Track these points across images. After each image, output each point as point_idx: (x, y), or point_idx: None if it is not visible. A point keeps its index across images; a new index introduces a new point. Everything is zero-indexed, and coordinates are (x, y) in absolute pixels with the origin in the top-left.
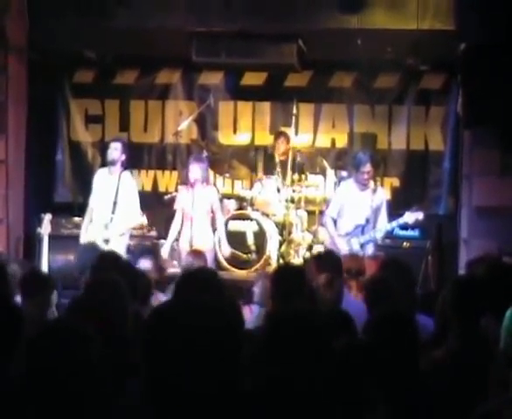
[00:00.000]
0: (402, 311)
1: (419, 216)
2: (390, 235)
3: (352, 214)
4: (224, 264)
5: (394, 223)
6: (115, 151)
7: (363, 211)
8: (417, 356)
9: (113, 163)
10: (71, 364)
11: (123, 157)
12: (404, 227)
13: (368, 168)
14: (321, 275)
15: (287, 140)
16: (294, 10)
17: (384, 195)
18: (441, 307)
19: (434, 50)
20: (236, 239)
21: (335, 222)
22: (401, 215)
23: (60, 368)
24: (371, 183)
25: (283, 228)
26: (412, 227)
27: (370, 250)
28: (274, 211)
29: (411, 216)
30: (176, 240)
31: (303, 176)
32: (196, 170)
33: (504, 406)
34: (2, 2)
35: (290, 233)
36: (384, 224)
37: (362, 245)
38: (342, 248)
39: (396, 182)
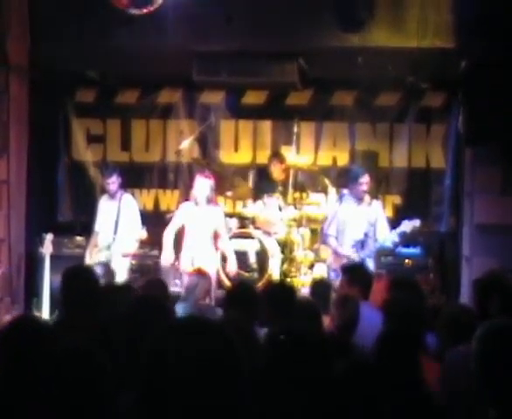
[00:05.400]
0: (411, 330)
1: (416, 223)
2: (391, 252)
3: (351, 230)
4: (227, 283)
5: (394, 233)
6: (113, 185)
7: (361, 226)
8: (420, 374)
9: (114, 195)
10: (81, 385)
11: (120, 180)
12: (406, 244)
13: (366, 178)
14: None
15: (280, 160)
16: (294, 28)
17: (379, 207)
18: (444, 323)
19: (435, 68)
20: (238, 258)
21: (336, 239)
22: (399, 224)
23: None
24: (367, 197)
25: (285, 246)
26: (414, 243)
27: (370, 265)
28: (276, 230)
29: (408, 225)
30: (177, 259)
31: (305, 195)
32: (202, 187)
33: None
34: (2, 22)
35: (292, 251)
36: (387, 233)
37: (362, 260)
38: (351, 256)
39: (397, 199)
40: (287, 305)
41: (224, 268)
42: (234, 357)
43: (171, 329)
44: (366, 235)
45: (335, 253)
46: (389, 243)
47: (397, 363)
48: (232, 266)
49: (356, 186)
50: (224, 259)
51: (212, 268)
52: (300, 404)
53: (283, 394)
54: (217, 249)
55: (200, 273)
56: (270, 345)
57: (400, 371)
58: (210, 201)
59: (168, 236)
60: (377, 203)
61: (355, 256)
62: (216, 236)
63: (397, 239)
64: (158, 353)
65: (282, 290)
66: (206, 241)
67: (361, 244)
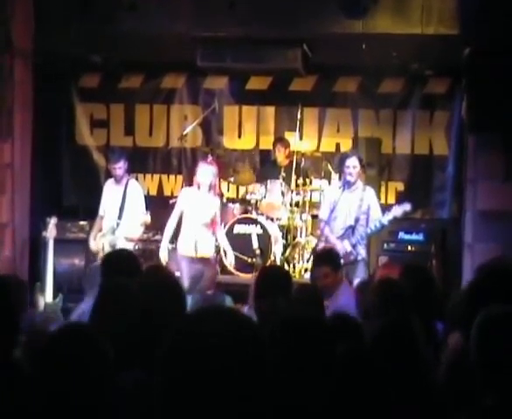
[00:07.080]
0: (413, 317)
1: (407, 207)
2: (394, 238)
3: (342, 215)
4: (229, 267)
5: (384, 218)
6: (119, 169)
7: (353, 212)
8: (420, 364)
9: (120, 180)
10: (84, 366)
11: (127, 165)
12: (409, 231)
13: (353, 162)
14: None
15: (285, 145)
16: (298, 14)
17: (373, 193)
18: (450, 311)
19: (439, 54)
20: (241, 243)
21: (328, 224)
22: (389, 210)
23: (73, 371)
24: (360, 183)
25: (288, 232)
26: (416, 230)
27: (362, 251)
28: (279, 215)
29: (398, 210)
30: (172, 242)
31: (308, 181)
32: (206, 173)
33: None
34: (7, 7)
35: (295, 237)
36: (378, 217)
37: (354, 246)
38: (340, 247)
39: (400, 186)
40: (285, 289)
41: (226, 258)
42: (260, 348)
43: (193, 319)
44: (357, 221)
45: (326, 240)
46: (378, 226)
47: (397, 351)
48: (230, 258)
49: (343, 169)
50: (224, 251)
51: (213, 253)
52: (303, 391)
53: (285, 382)
54: (216, 237)
55: (204, 261)
56: (272, 331)
57: (400, 359)
58: (212, 188)
59: (168, 227)
60: (370, 190)
61: (343, 246)
62: (213, 223)
63: (386, 223)
64: (178, 344)
65: (280, 274)
66: (206, 226)
67: (352, 230)
